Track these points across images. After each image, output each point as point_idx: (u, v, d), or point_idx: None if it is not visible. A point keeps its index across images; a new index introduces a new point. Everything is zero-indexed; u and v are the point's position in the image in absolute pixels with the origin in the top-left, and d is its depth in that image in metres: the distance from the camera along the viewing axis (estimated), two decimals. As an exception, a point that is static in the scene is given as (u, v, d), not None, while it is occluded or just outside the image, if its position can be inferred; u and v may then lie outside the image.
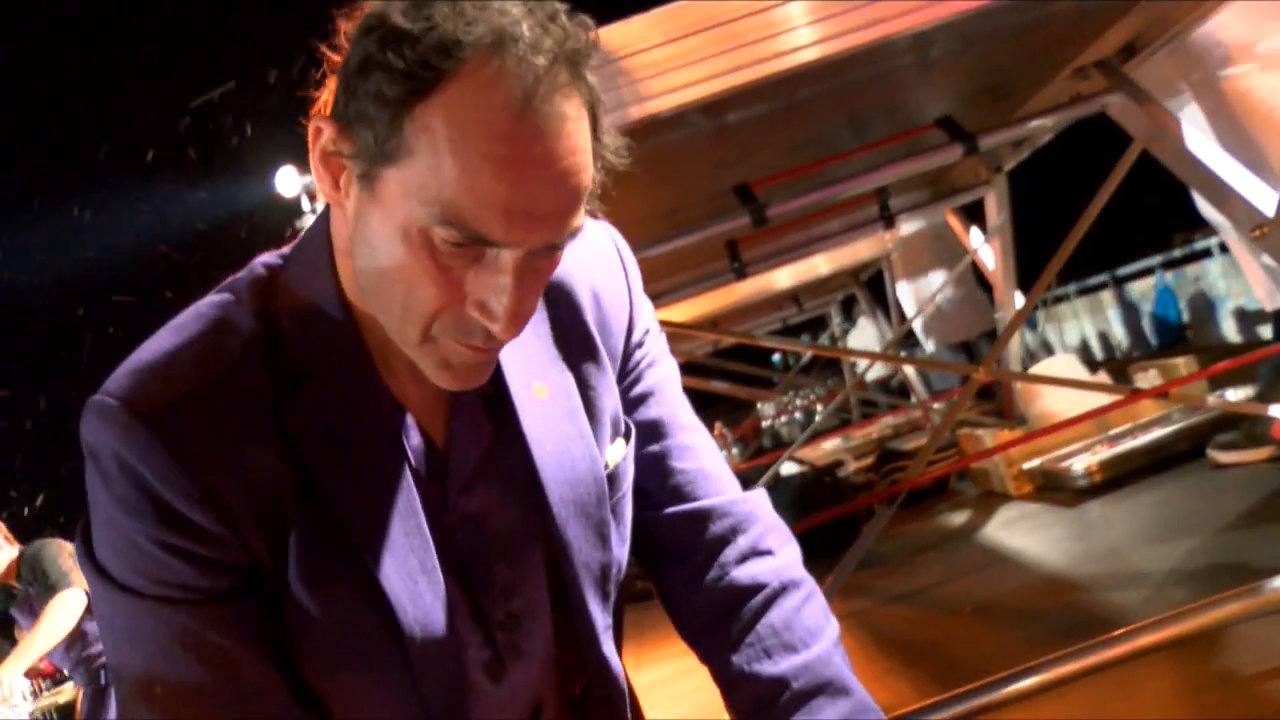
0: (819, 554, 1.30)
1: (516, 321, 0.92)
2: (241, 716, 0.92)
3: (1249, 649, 1.39)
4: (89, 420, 0.94)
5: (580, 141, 0.89)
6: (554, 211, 0.89)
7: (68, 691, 5.26)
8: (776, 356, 12.83)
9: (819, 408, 9.17)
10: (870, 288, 8.48)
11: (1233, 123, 2.92)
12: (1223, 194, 2.66)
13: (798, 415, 11.25)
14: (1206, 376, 4.04)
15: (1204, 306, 10.37)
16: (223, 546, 0.92)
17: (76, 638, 4.25)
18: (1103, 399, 3.80)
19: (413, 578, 0.96)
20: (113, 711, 4.14)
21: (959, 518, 3.94)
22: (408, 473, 0.99)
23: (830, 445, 7.47)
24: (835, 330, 10.06)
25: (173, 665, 0.91)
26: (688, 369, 8.10)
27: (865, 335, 9.53)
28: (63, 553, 4.31)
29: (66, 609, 4.15)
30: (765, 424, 11.67)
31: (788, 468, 5.81)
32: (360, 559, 0.95)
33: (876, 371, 9.90)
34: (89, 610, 4.25)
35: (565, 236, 0.91)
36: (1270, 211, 2.52)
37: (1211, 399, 3.53)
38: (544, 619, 1.07)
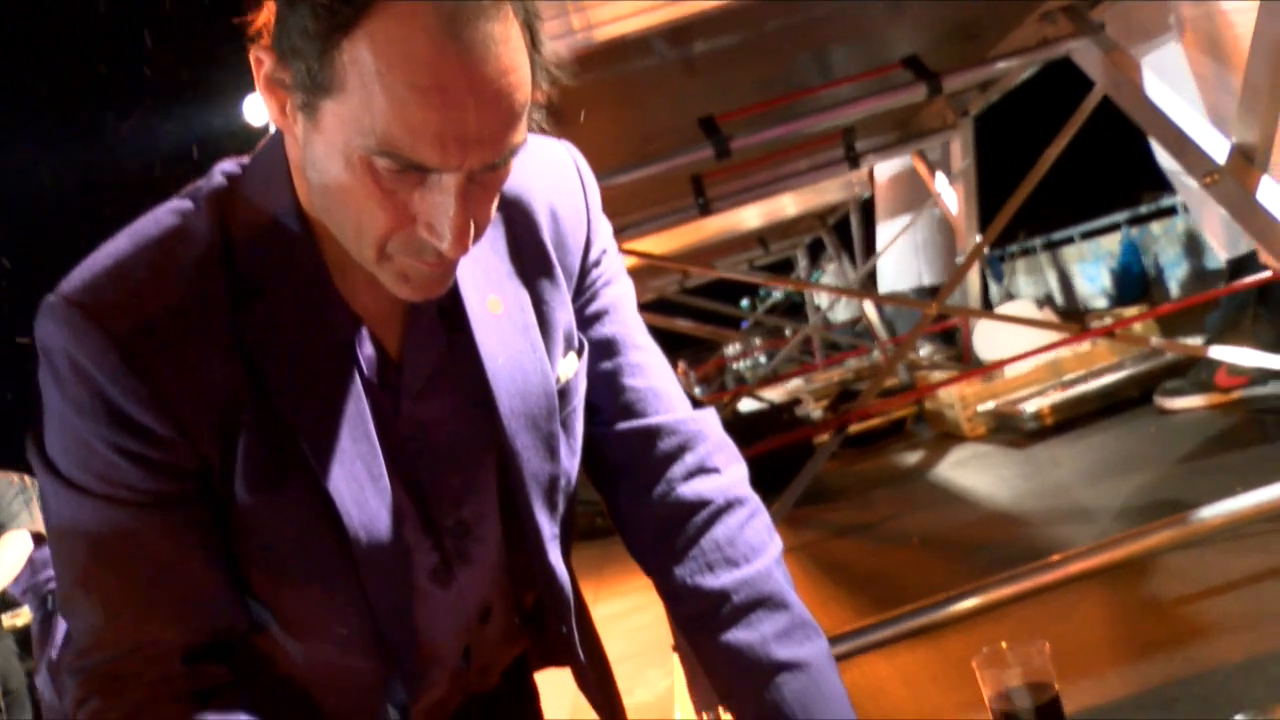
0: (770, 488, 1.33)
1: (464, 239, 0.93)
2: (178, 616, 0.93)
3: (1175, 577, 1.45)
4: (43, 321, 0.94)
5: (512, 60, 0.89)
6: (489, 134, 0.90)
7: (24, 615, 5.26)
8: (745, 302, 12.87)
9: (782, 350, 9.23)
10: (838, 232, 8.50)
11: (1212, 58, 2.94)
12: (1178, 141, 2.69)
13: (762, 358, 11.33)
14: (1154, 317, 4.11)
15: (1172, 261, 10.50)
16: (172, 450, 0.93)
17: (24, 565, 4.25)
18: (1054, 340, 3.87)
19: (359, 484, 0.98)
20: (61, 634, 4.16)
21: (912, 458, 4.01)
22: (358, 382, 1.00)
23: (791, 385, 7.54)
24: (801, 274, 10.09)
25: (114, 563, 0.92)
26: (654, 306, 8.12)
27: (831, 282, 9.58)
28: (9, 490, 4.28)
29: (13, 550, 4.15)
30: (730, 365, 11.74)
31: (747, 404, 5.87)
32: (308, 466, 0.97)
33: (841, 316, 9.96)
34: (39, 541, 4.24)
35: (505, 155, 0.92)
36: (1221, 159, 2.55)
37: (1155, 340, 3.60)
38: (493, 527, 1.09)
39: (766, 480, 1.95)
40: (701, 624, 1.14)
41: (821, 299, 9.24)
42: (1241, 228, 2.61)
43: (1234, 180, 2.50)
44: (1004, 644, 1.04)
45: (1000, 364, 3.78)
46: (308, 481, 0.97)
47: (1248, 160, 2.53)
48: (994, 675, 1.01)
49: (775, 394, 6.84)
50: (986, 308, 5.57)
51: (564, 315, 1.15)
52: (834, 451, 2.97)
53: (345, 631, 0.99)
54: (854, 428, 5.07)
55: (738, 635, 1.12)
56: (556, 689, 1.28)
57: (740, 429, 4.70)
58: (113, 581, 0.92)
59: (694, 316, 8.36)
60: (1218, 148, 2.59)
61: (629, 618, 4.37)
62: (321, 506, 0.97)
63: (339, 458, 0.97)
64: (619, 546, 1.21)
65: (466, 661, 1.11)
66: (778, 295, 12.20)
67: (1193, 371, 3.27)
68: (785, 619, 1.13)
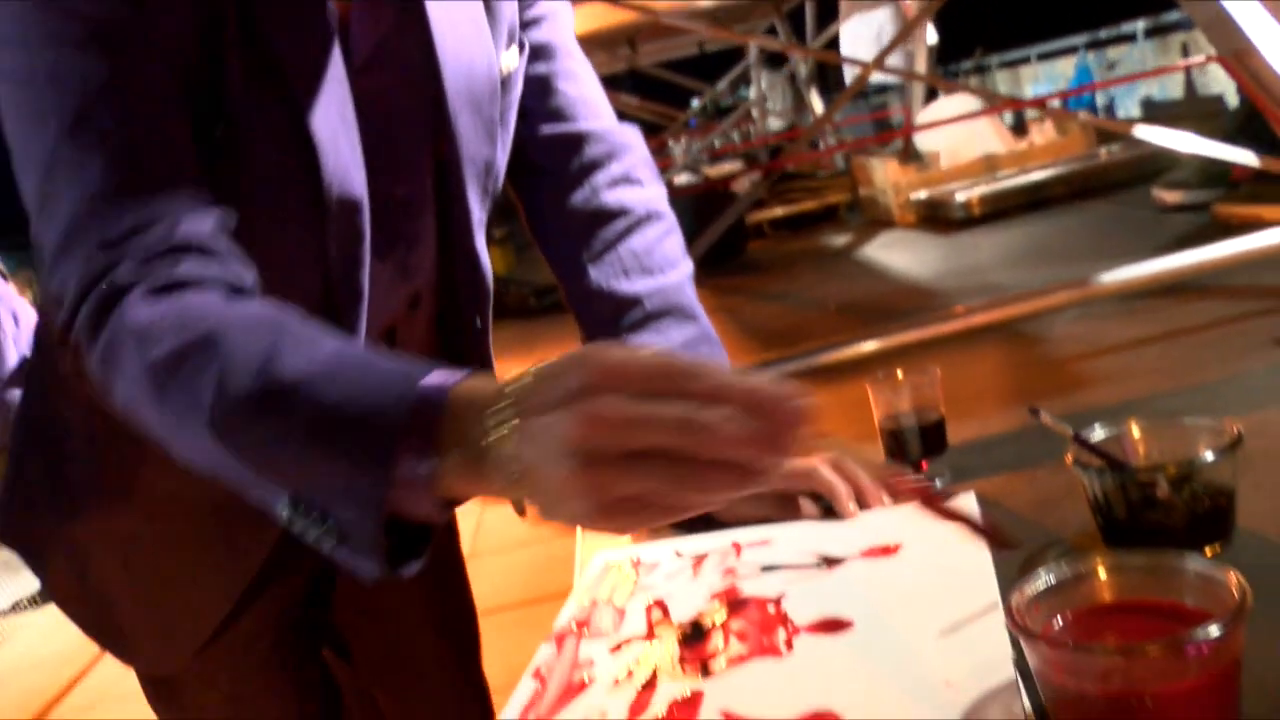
0: (708, 266, 1.34)
1: None
2: (177, 193, 0.87)
3: (1068, 341, 1.51)
4: None
5: None
6: None
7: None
8: (695, 101, 12.54)
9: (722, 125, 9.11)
10: (792, 20, 8.26)
11: None
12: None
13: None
14: (1095, 130, 4.14)
15: (1124, 91, 10.42)
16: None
17: None
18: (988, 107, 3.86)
19: (334, 129, 0.96)
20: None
21: (841, 239, 4.06)
22: (335, 27, 0.97)
23: (729, 164, 7.50)
24: (751, 59, 9.85)
25: (83, 118, 0.86)
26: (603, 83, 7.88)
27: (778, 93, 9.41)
28: None
29: None
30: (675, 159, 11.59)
31: (685, 178, 5.84)
32: (292, 101, 0.94)
33: (788, 118, 9.81)
34: None
35: None
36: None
37: (1139, 130, 3.57)
38: (428, 206, 1.09)
39: (708, 262, 1.97)
40: (611, 327, 1.17)
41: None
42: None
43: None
44: (898, 370, 1.09)
45: (935, 124, 3.78)
46: (290, 118, 0.94)
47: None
48: (885, 398, 1.06)
49: (712, 170, 6.81)
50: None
51: (509, 9, 1.12)
52: (765, 232, 2.99)
53: (298, 294, 0.99)
54: (787, 209, 5.10)
55: (645, 339, 1.15)
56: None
57: (679, 204, 4.68)
58: (98, 146, 0.86)
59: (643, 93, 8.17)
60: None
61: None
62: (299, 144, 0.95)
63: (321, 99, 0.95)
64: (549, 326, 1.22)
65: (390, 345, 1.13)
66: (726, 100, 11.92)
67: (1201, 164, 3.02)
68: (693, 330, 1.16)
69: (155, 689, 1.09)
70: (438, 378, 0.63)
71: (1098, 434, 0.76)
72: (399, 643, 1.25)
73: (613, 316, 1.15)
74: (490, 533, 3.71)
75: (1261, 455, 0.84)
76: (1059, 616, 0.56)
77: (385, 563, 0.63)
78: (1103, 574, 0.57)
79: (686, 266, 1.22)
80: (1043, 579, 0.56)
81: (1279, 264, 1.24)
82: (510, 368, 1.22)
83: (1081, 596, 0.56)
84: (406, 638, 1.26)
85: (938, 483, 1.00)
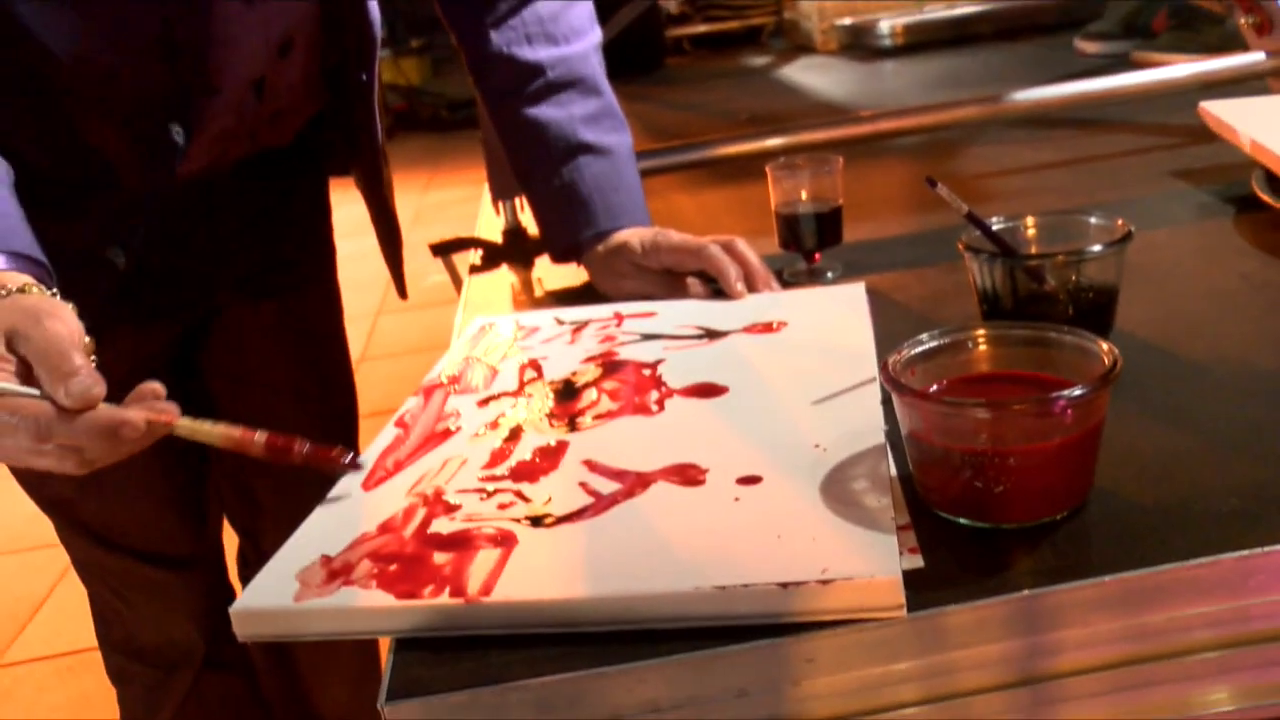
0: (621, 75, 1.27)
1: None
2: None
3: (977, 159, 1.50)
4: None
5: None
6: None
7: None
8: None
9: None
10: None
11: None
12: None
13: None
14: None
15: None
16: None
17: None
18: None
19: None
20: None
21: (760, 61, 3.97)
22: None
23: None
24: None
25: None
26: None
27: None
28: None
29: None
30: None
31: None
32: None
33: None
34: None
35: None
36: None
37: None
38: None
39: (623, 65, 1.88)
40: (511, 97, 1.10)
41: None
42: None
43: None
44: (799, 157, 1.06)
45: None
46: None
47: None
48: (783, 184, 1.02)
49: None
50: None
51: None
52: (685, 49, 2.86)
53: (139, 43, 0.90)
54: (709, 27, 4.95)
55: (545, 111, 1.09)
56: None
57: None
58: None
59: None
60: None
61: (457, 206, 4.39)
62: None
63: None
64: (460, 141, 1.14)
65: (259, 95, 1.04)
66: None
67: (1126, 15, 3.07)
68: (596, 104, 1.11)
69: None
70: None
71: (995, 227, 0.75)
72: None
73: (514, 85, 1.09)
74: (383, 337, 3.66)
75: (1144, 269, 0.85)
76: (935, 384, 0.55)
77: None
78: (981, 344, 0.56)
79: (595, 35, 1.15)
80: (921, 344, 0.55)
81: (1186, 103, 1.23)
82: (418, 179, 1.15)
83: (959, 365, 0.56)
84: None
85: (829, 275, 0.99)
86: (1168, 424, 0.59)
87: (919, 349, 0.54)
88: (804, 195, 1.01)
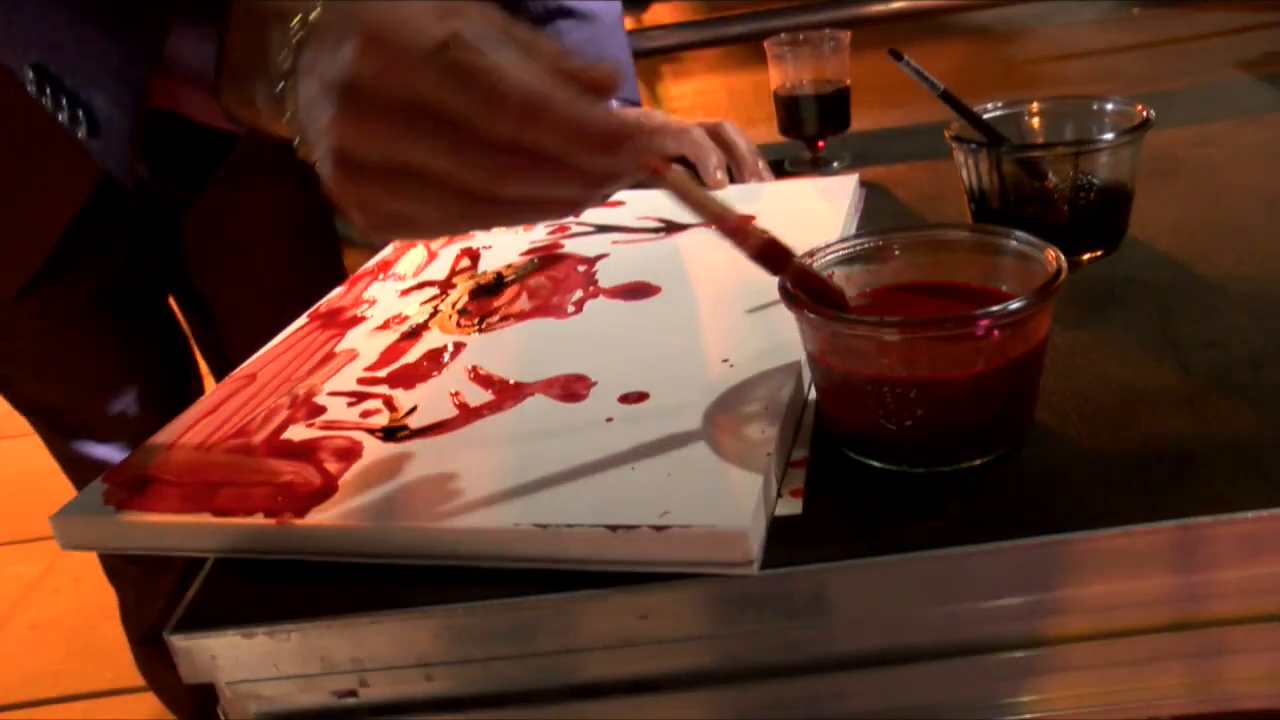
0: None
1: None
2: None
3: (1040, 40, 1.35)
4: None
5: None
6: None
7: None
8: None
9: None
10: None
11: None
12: None
13: None
14: None
15: None
16: None
17: None
18: None
19: None
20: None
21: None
22: None
23: None
24: None
25: None
26: None
27: None
28: None
29: None
30: None
31: None
32: None
33: None
34: None
35: None
36: None
37: None
38: None
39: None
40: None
41: None
42: None
43: None
44: (801, 34, 0.94)
45: None
46: None
47: None
48: (783, 64, 0.91)
49: None
50: None
51: None
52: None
53: None
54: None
55: None
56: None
57: None
58: None
59: None
60: None
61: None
62: None
63: None
64: None
65: None
66: None
67: None
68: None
69: None
70: None
71: (992, 113, 0.64)
72: (265, 317, 1.14)
73: None
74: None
75: (1189, 165, 0.73)
76: (858, 295, 0.46)
77: (138, 165, 0.49)
78: (907, 249, 0.46)
79: None
80: (840, 248, 0.46)
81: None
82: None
83: (889, 272, 0.47)
84: (272, 310, 1.15)
85: (835, 165, 0.89)
86: (1153, 354, 0.49)
87: (837, 254, 0.46)
88: (806, 76, 0.90)
